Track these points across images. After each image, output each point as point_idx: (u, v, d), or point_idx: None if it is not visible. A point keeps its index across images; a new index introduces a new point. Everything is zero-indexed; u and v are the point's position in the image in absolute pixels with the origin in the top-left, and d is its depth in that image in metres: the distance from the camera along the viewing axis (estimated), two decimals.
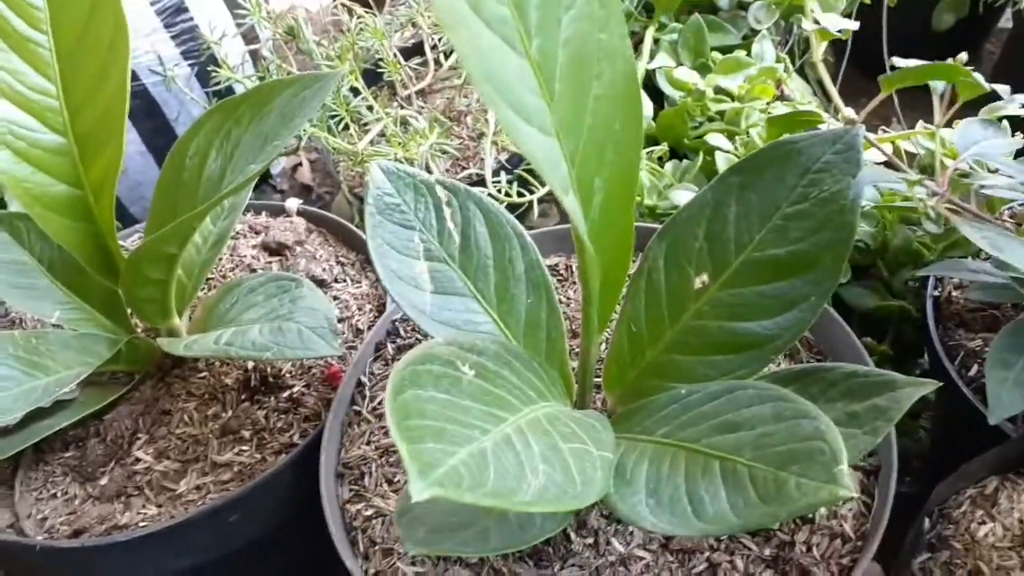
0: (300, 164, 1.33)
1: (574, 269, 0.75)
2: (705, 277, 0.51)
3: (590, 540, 0.52)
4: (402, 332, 0.70)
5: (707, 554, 0.51)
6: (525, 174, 0.94)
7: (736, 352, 0.50)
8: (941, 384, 0.50)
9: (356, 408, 0.64)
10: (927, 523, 0.58)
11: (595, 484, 0.38)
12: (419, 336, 0.69)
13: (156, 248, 0.63)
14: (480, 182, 0.94)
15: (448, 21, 0.31)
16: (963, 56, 0.64)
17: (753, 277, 0.49)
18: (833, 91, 0.63)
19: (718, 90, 0.87)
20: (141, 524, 0.61)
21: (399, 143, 0.87)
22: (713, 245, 0.50)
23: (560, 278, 0.74)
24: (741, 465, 0.41)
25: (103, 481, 0.64)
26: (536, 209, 0.95)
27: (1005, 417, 0.58)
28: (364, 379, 0.66)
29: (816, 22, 0.58)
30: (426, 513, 0.45)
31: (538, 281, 0.55)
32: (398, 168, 0.54)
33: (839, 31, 0.62)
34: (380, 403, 0.64)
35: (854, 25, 0.66)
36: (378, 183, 0.53)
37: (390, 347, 0.69)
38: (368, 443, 0.61)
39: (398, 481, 0.58)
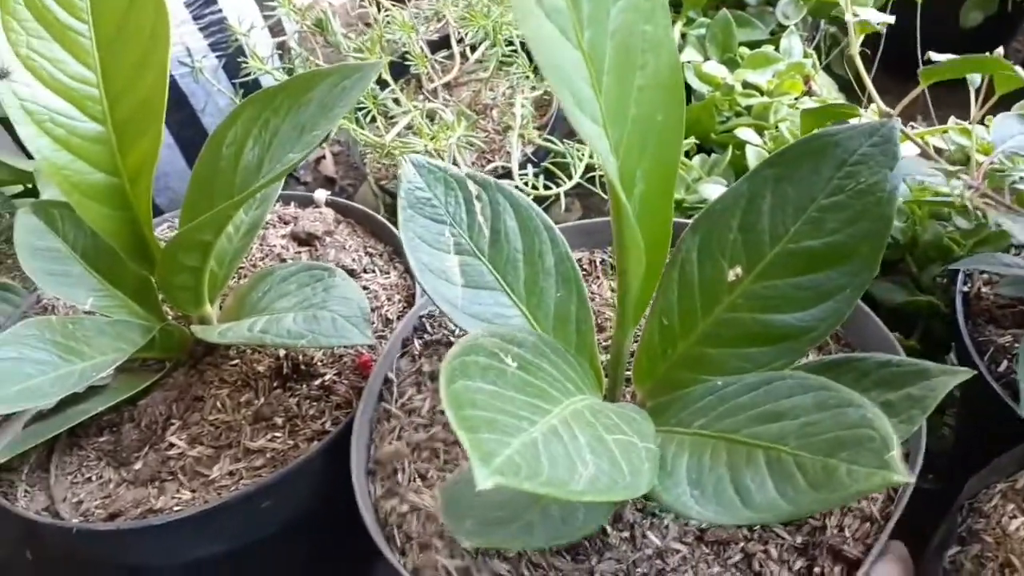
0: (324, 157, 1.33)
1: (599, 263, 0.75)
2: (739, 269, 0.51)
3: (626, 534, 0.52)
4: (429, 328, 0.70)
5: (741, 544, 0.51)
6: (551, 167, 0.94)
7: (770, 344, 0.50)
8: (975, 373, 0.50)
9: (385, 405, 0.64)
10: (958, 517, 0.58)
11: (644, 474, 0.39)
12: (446, 331, 0.69)
13: (192, 236, 0.64)
14: (506, 175, 0.94)
15: (518, 12, 0.32)
16: (1000, 50, 0.63)
17: (788, 269, 0.49)
18: (869, 84, 0.63)
19: (746, 85, 0.87)
20: (175, 508, 0.62)
21: (428, 135, 0.88)
22: (747, 237, 0.50)
23: (584, 272, 0.74)
24: (786, 454, 0.41)
25: (137, 466, 0.65)
26: (563, 202, 0.96)
27: None
28: (391, 375, 0.66)
29: (856, 15, 0.58)
30: (471, 507, 0.46)
31: (568, 275, 0.55)
32: (429, 163, 0.55)
33: (879, 23, 0.62)
34: (409, 399, 0.64)
35: (891, 19, 0.66)
36: (409, 177, 0.54)
37: (417, 343, 0.68)
38: (399, 439, 0.61)
39: (431, 477, 0.58)
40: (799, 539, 0.52)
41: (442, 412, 0.59)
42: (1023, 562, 0.54)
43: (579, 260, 0.75)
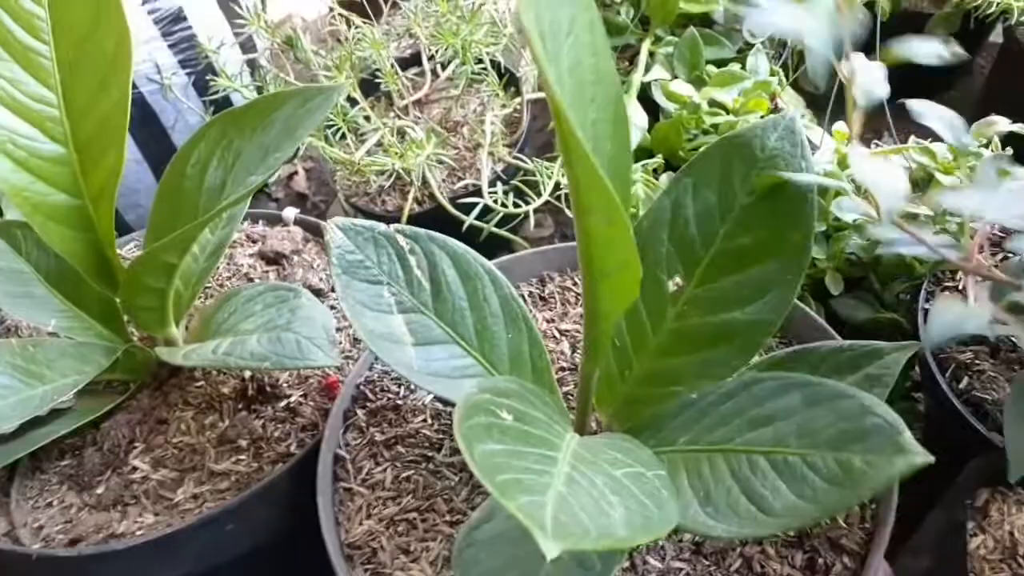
0: (296, 173, 1.33)
1: (558, 289, 0.74)
2: (678, 279, 0.51)
3: (627, 563, 0.52)
4: (369, 395, 0.66)
5: (739, 549, 0.52)
6: (521, 184, 0.94)
7: (724, 344, 0.51)
8: (919, 345, 0.52)
9: (344, 484, 0.60)
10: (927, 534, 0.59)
11: (669, 503, 0.39)
12: (389, 395, 0.65)
13: (156, 257, 0.64)
14: (477, 192, 0.94)
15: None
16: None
17: (725, 269, 0.50)
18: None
19: (713, 103, 0.88)
20: (138, 533, 0.61)
21: (396, 154, 0.88)
22: (680, 246, 0.51)
23: (543, 300, 0.74)
24: (792, 455, 0.42)
25: (100, 490, 0.64)
26: (532, 219, 0.96)
27: None
28: (342, 452, 0.62)
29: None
30: (489, 571, 0.45)
31: (515, 315, 0.55)
32: (355, 224, 0.53)
33: None
34: (369, 473, 0.61)
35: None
36: (337, 242, 0.52)
37: (360, 413, 0.64)
38: (368, 517, 0.58)
39: (415, 550, 0.55)
40: (792, 533, 0.52)
41: (407, 479, 0.59)
42: None
43: (530, 292, 0.74)
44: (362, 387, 0.66)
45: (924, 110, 0.55)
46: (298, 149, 1.05)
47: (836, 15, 0.44)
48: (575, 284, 0.73)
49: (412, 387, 0.65)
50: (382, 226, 0.53)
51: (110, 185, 0.67)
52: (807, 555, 0.52)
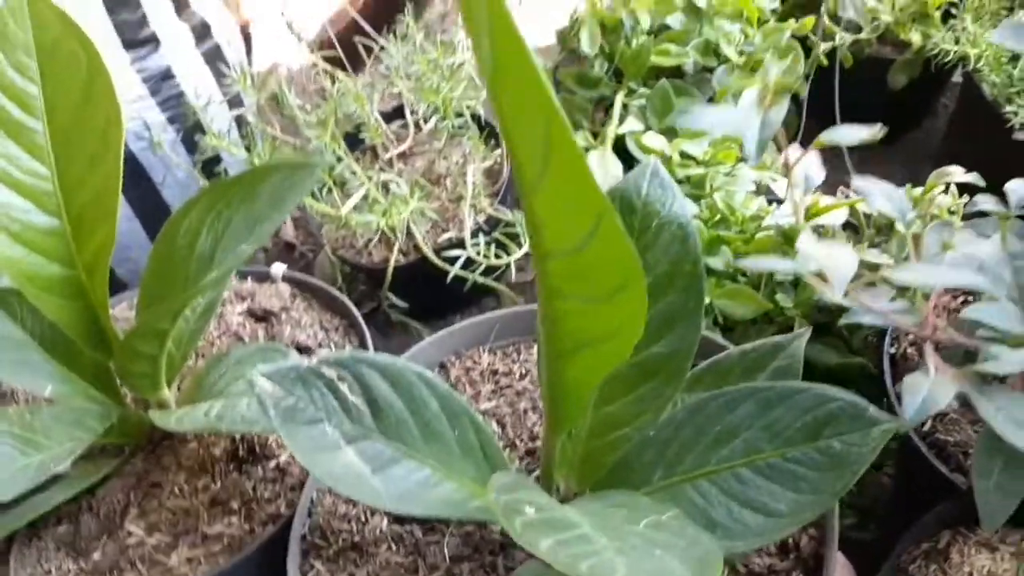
0: (284, 223, 1.35)
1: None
2: None
3: None
4: (321, 542, 0.63)
5: None
6: (502, 237, 0.97)
7: (651, 379, 0.54)
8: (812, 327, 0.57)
9: None
10: None
11: (703, 534, 0.43)
12: (344, 536, 0.63)
13: (149, 325, 0.66)
14: (460, 243, 0.97)
15: None
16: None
17: None
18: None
19: (683, 155, 0.91)
20: None
21: (381, 211, 0.91)
22: None
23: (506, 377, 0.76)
24: (772, 458, 0.47)
25: (96, 556, 0.66)
26: (513, 268, 0.99)
27: (997, 526, 0.55)
28: None
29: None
30: None
31: (456, 409, 0.55)
32: (279, 368, 0.51)
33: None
34: None
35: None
36: (267, 392, 0.50)
37: (319, 565, 0.61)
38: None
39: None
40: None
41: None
42: None
43: (495, 366, 0.76)
44: (309, 538, 0.63)
45: (867, 187, 0.58)
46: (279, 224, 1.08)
47: (761, 108, 0.47)
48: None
49: (363, 518, 0.63)
50: (305, 362, 0.52)
51: (103, 255, 0.69)
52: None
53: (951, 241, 0.53)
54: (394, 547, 0.61)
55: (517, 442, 0.69)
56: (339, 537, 0.62)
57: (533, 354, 0.77)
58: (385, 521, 0.63)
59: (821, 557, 0.58)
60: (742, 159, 0.93)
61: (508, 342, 0.79)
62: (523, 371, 0.75)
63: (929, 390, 0.49)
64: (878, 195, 0.57)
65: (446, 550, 0.60)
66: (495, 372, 0.76)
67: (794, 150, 0.52)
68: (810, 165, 0.55)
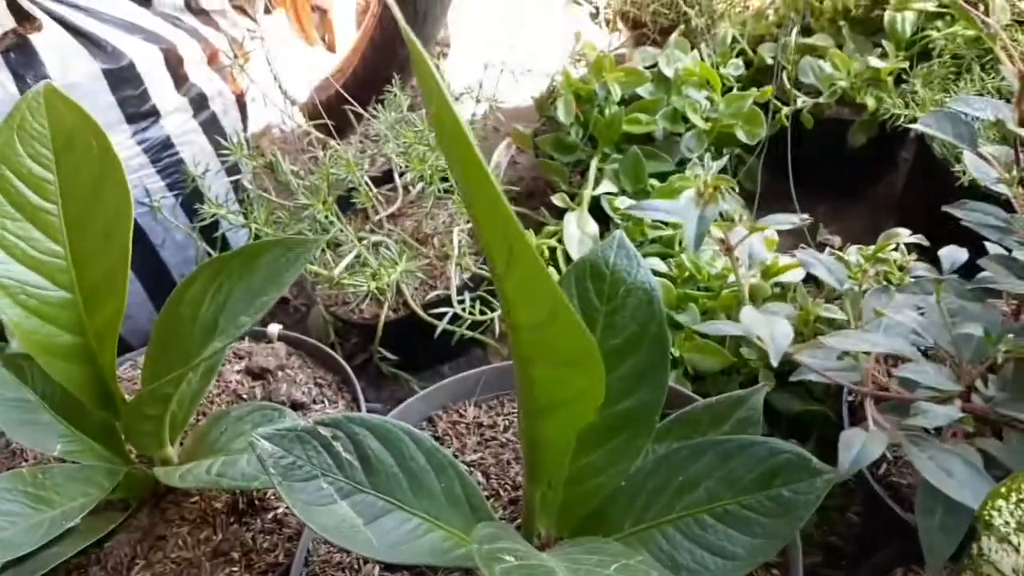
0: None
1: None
2: None
3: None
4: None
5: None
6: (485, 294, 1.03)
7: (625, 431, 0.59)
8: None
9: None
10: None
11: None
12: None
13: (155, 392, 0.71)
14: (447, 300, 1.03)
15: None
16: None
17: (609, 368, 0.56)
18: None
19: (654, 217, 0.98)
20: None
21: (371, 274, 0.96)
22: None
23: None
24: (730, 505, 0.53)
25: None
26: (497, 322, 1.04)
27: (942, 564, 0.58)
28: None
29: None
30: None
31: (441, 463, 0.60)
32: (276, 431, 0.56)
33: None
34: None
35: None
36: (267, 452, 0.55)
37: None
38: None
39: None
40: None
41: None
42: None
43: (480, 419, 0.81)
44: None
45: (808, 259, 0.64)
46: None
47: (699, 204, 0.53)
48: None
49: (356, 566, 0.67)
50: (302, 423, 0.57)
51: (113, 325, 0.75)
52: None
53: (883, 309, 0.58)
54: None
55: (501, 492, 0.74)
56: None
57: (516, 408, 0.82)
58: (377, 569, 0.67)
59: None
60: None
61: (493, 396, 0.84)
62: (507, 423, 0.81)
63: (863, 444, 0.55)
64: (819, 266, 0.63)
65: None
66: (480, 425, 0.81)
67: (738, 232, 0.58)
68: (754, 244, 0.61)
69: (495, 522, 0.61)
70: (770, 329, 0.52)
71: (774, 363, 0.53)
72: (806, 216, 0.57)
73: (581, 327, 0.40)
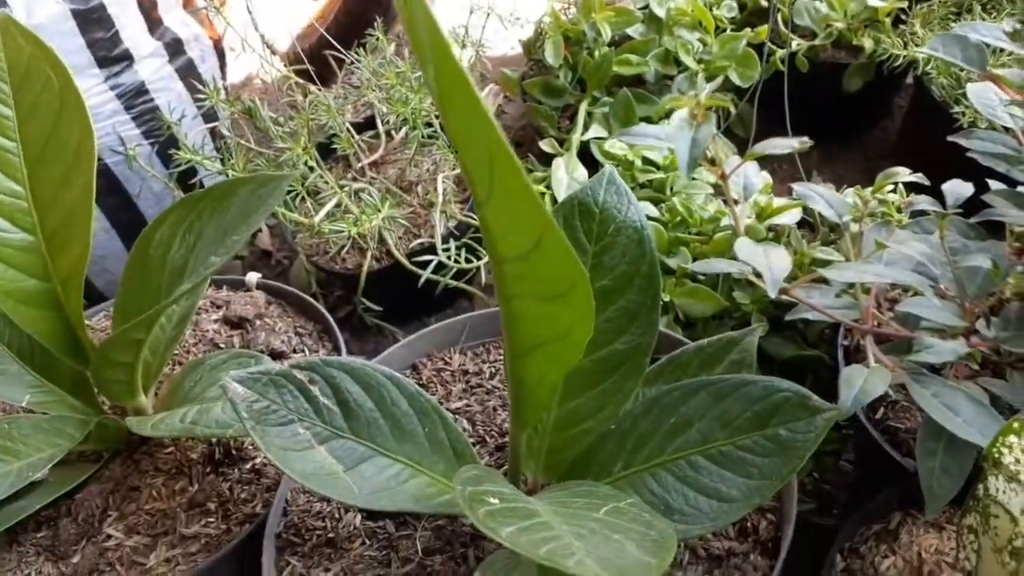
0: (260, 231, 1.37)
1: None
2: None
3: None
4: (296, 539, 0.64)
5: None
6: (471, 242, 1.00)
7: (613, 373, 0.57)
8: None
9: None
10: (838, 558, 0.64)
11: (659, 519, 0.46)
12: (318, 533, 0.64)
13: (124, 336, 0.68)
14: (431, 249, 1.00)
15: None
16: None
17: (598, 310, 0.55)
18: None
19: (645, 160, 0.94)
20: None
21: (352, 220, 0.93)
22: None
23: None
24: (724, 446, 0.51)
25: (75, 559, 0.67)
26: (484, 271, 1.01)
27: (942, 507, 0.57)
28: None
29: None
30: None
31: (425, 408, 0.57)
32: (249, 374, 0.53)
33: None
34: None
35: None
36: (240, 396, 0.52)
37: (295, 561, 0.63)
38: None
39: None
40: None
41: None
42: None
43: (465, 366, 0.79)
44: (285, 535, 0.64)
45: (807, 192, 0.61)
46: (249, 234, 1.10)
47: (691, 127, 0.50)
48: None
49: (337, 515, 0.65)
50: (276, 366, 0.55)
51: (78, 269, 0.71)
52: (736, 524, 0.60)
53: (885, 241, 0.56)
54: (367, 542, 0.64)
55: (487, 439, 0.72)
56: (313, 534, 0.64)
57: (502, 354, 0.80)
58: (359, 518, 0.65)
59: (778, 539, 0.61)
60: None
61: (478, 343, 0.82)
62: (493, 371, 0.78)
63: (865, 381, 0.52)
64: (818, 199, 0.60)
65: (418, 544, 0.62)
66: (466, 372, 0.79)
67: (732, 161, 0.55)
68: (748, 173, 0.58)
69: (479, 466, 0.58)
70: (767, 260, 0.50)
71: (772, 294, 0.50)
72: (806, 139, 0.54)
73: (569, 251, 0.37)
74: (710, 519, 0.52)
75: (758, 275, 0.53)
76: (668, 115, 1.02)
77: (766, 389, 0.53)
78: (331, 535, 0.64)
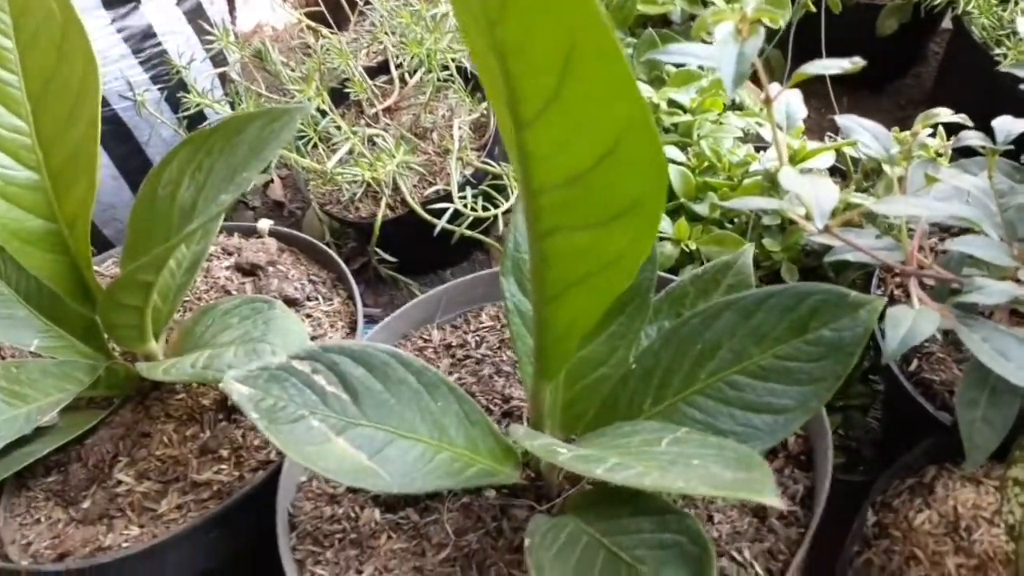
0: (272, 181, 1.35)
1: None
2: None
3: None
4: (315, 547, 0.60)
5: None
6: (489, 189, 0.97)
7: (619, 315, 0.56)
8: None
9: None
10: (870, 512, 0.62)
11: (731, 445, 0.44)
12: (338, 535, 0.60)
13: (132, 277, 0.66)
14: (447, 197, 0.97)
15: None
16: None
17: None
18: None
19: (671, 103, 0.91)
20: (124, 545, 0.63)
21: (367, 164, 0.90)
22: None
23: (489, 331, 0.76)
24: (763, 360, 0.50)
25: (86, 504, 0.66)
26: (501, 221, 0.98)
27: (983, 460, 0.54)
28: None
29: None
30: None
31: (433, 381, 0.54)
32: (248, 372, 0.50)
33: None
34: None
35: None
36: (244, 396, 0.49)
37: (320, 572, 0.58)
38: None
39: None
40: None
41: None
42: (927, 554, 0.58)
43: (447, 340, 0.76)
44: (301, 548, 0.59)
45: (851, 124, 0.57)
46: (261, 169, 1.07)
47: (737, 40, 0.46)
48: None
49: (352, 514, 0.61)
50: (275, 359, 0.51)
51: (84, 209, 0.69)
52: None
53: (936, 176, 0.52)
54: (393, 536, 0.59)
55: (491, 407, 0.68)
56: (333, 539, 0.60)
57: (484, 321, 0.77)
58: (377, 512, 0.60)
59: (811, 451, 0.59)
60: (729, 107, 0.92)
61: (456, 314, 0.78)
62: (477, 340, 0.75)
63: (913, 321, 0.49)
64: (862, 132, 0.56)
65: (447, 527, 0.58)
66: (449, 346, 0.75)
67: (775, 87, 0.51)
68: (791, 101, 0.54)
69: (521, 426, 0.55)
70: (814, 189, 0.46)
71: (819, 226, 0.47)
72: (858, 59, 0.50)
73: (657, 140, 0.33)
74: (768, 433, 0.49)
75: (798, 215, 0.50)
76: None
77: (797, 296, 0.50)
78: (353, 536, 0.59)
